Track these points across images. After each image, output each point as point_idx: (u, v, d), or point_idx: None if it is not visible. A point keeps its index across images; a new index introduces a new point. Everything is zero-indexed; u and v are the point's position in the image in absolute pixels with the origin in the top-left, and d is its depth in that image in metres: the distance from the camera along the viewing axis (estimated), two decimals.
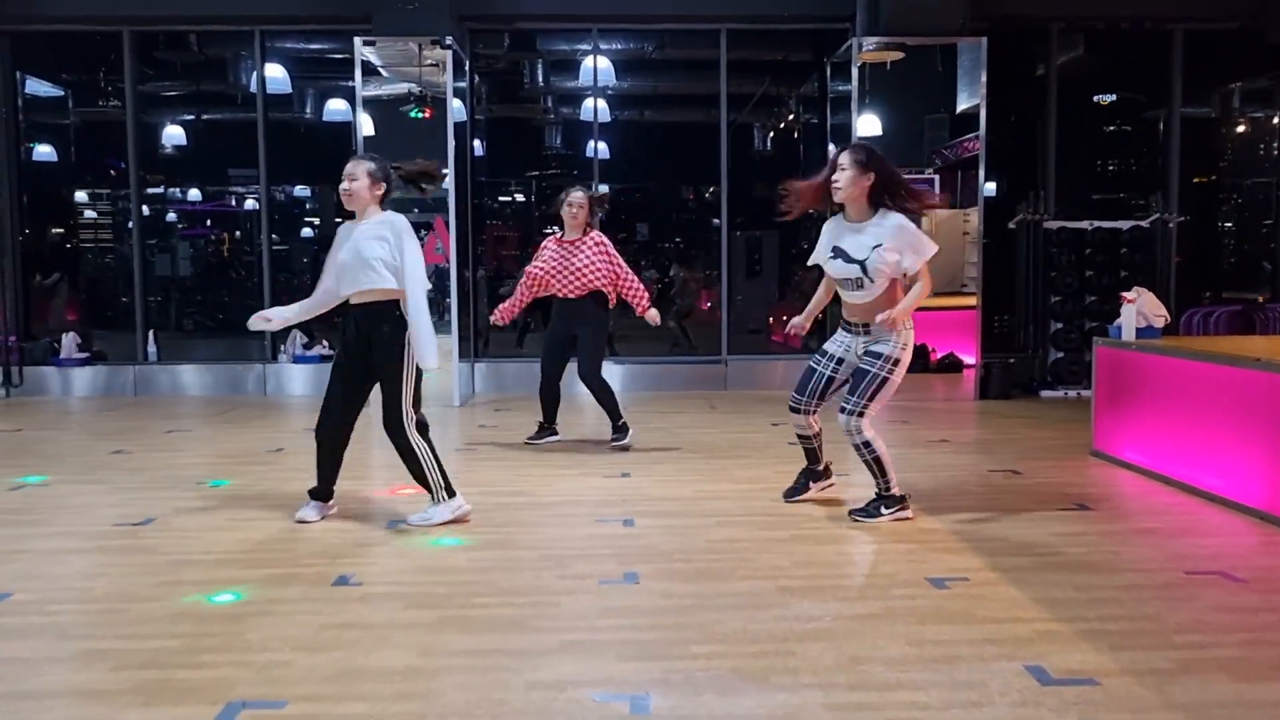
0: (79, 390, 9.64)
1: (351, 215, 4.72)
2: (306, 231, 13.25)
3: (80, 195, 11.79)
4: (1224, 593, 3.69)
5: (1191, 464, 5.27)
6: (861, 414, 4.55)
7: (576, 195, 6.59)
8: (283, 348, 9.85)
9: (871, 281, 4.54)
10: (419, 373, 4.61)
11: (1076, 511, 4.92)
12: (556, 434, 6.83)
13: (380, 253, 4.55)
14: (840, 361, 4.76)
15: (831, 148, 10.23)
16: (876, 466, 4.66)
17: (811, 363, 4.84)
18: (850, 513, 4.75)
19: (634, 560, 4.11)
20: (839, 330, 4.80)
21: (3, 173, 9.83)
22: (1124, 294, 6.21)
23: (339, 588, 3.81)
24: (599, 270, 6.49)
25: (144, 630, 3.39)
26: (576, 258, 6.52)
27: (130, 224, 9.99)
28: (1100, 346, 6.33)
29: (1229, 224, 11.53)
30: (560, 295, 6.56)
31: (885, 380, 4.56)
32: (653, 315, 6.69)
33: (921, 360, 9.47)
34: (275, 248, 10.81)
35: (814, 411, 4.85)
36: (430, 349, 4.51)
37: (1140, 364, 5.90)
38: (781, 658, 3.09)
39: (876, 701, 2.79)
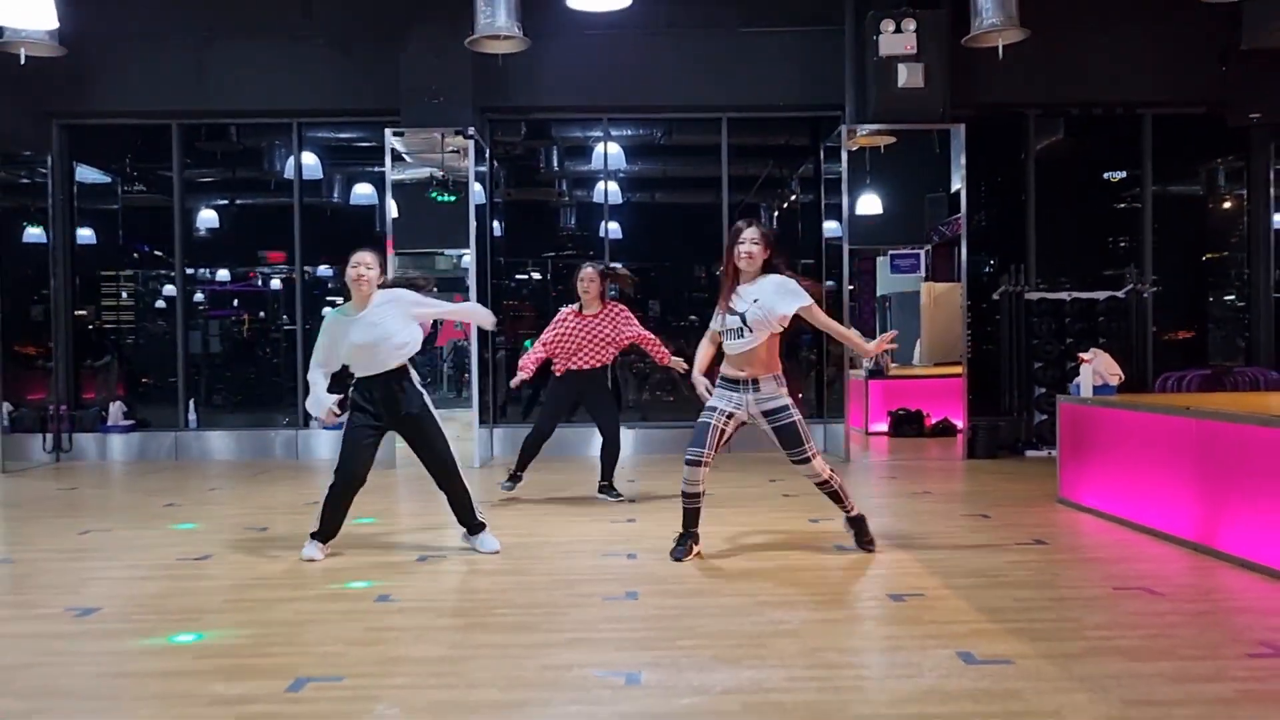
0: (122, 455, 10.36)
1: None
2: (328, 310, 13.86)
3: (121, 275, 12.55)
4: (1141, 603, 4.27)
5: (1136, 503, 5.86)
6: (810, 457, 5.10)
7: (586, 270, 7.24)
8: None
9: (751, 332, 5.04)
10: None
11: (1032, 545, 5.50)
12: (521, 480, 7.41)
13: (406, 337, 5.28)
14: (730, 416, 5.09)
15: (829, 225, 10.98)
16: (839, 495, 5.24)
17: (704, 419, 5.11)
18: (858, 544, 5.32)
19: (634, 583, 4.72)
20: (722, 392, 5.12)
21: (58, 255, 10.65)
22: (1081, 354, 6.85)
23: (380, 603, 4.43)
24: (624, 336, 7.10)
25: (216, 632, 4.01)
26: (600, 330, 7.10)
27: (159, 303, 10.78)
28: (1063, 403, 6.96)
29: (1208, 299, 12.13)
30: (573, 367, 7.16)
31: (801, 420, 5.12)
32: (677, 362, 7.08)
33: (916, 425, 10.09)
34: (288, 327, 11.60)
35: (709, 464, 5.11)
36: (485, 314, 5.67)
37: (1096, 417, 6.52)
38: (753, 649, 3.69)
39: (827, 676, 3.39)
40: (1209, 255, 11.87)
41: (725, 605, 4.31)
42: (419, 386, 5.35)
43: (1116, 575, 4.76)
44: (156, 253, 12.13)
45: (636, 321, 7.24)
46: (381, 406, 5.28)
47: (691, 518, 5.28)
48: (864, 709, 3.10)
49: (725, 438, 5.14)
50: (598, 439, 7.33)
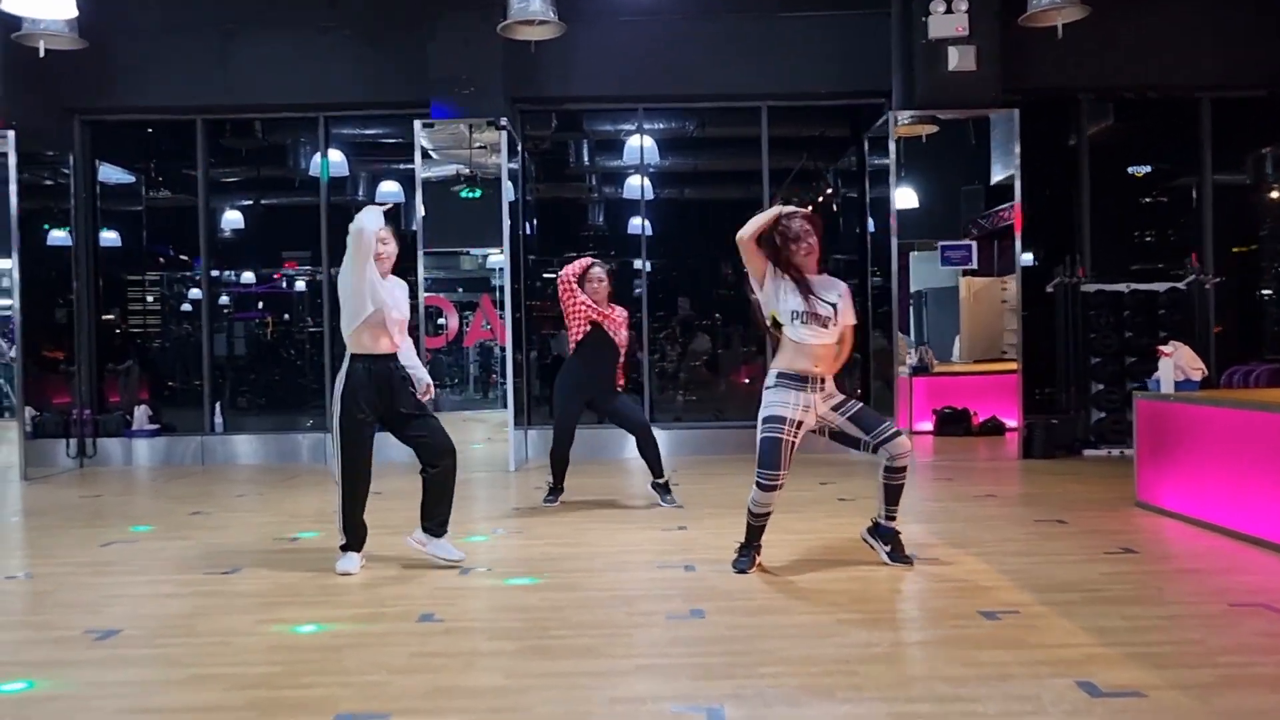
0: (147, 460, 10.06)
1: None
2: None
3: (146, 279, 12.28)
4: (1266, 622, 3.86)
5: (1233, 509, 5.42)
6: (902, 429, 4.74)
7: (598, 270, 6.90)
8: None
9: (835, 326, 4.68)
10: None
11: (1122, 554, 5.08)
12: (562, 492, 7.07)
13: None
14: (799, 426, 4.66)
15: (871, 221, 10.58)
16: (897, 495, 4.82)
17: (774, 436, 4.63)
18: (894, 558, 4.89)
19: (698, 599, 4.34)
20: (786, 391, 4.66)
21: (81, 256, 10.37)
22: (1159, 348, 6.42)
23: (423, 623, 4.06)
24: (621, 340, 6.89)
25: (248, 658, 3.66)
26: (612, 331, 6.88)
27: (185, 305, 10.49)
28: (1140, 400, 6.53)
29: (1268, 291, 11.63)
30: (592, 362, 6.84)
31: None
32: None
33: (964, 424, 9.66)
34: (313, 329, 11.30)
35: (784, 485, 4.70)
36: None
37: (1180, 415, 6.08)
38: (844, 676, 3.30)
39: (936, 712, 2.99)
40: (1263, 245, 11.36)
41: (803, 625, 3.93)
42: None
43: (1228, 589, 4.34)
44: (181, 256, 11.86)
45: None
46: (380, 395, 4.89)
47: (757, 534, 4.89)
48: None
49: (794, 451, 4.72)
50: (625, 441, 6.95)
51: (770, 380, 4.75)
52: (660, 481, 6.87)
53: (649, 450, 6.87)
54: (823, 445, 4.99)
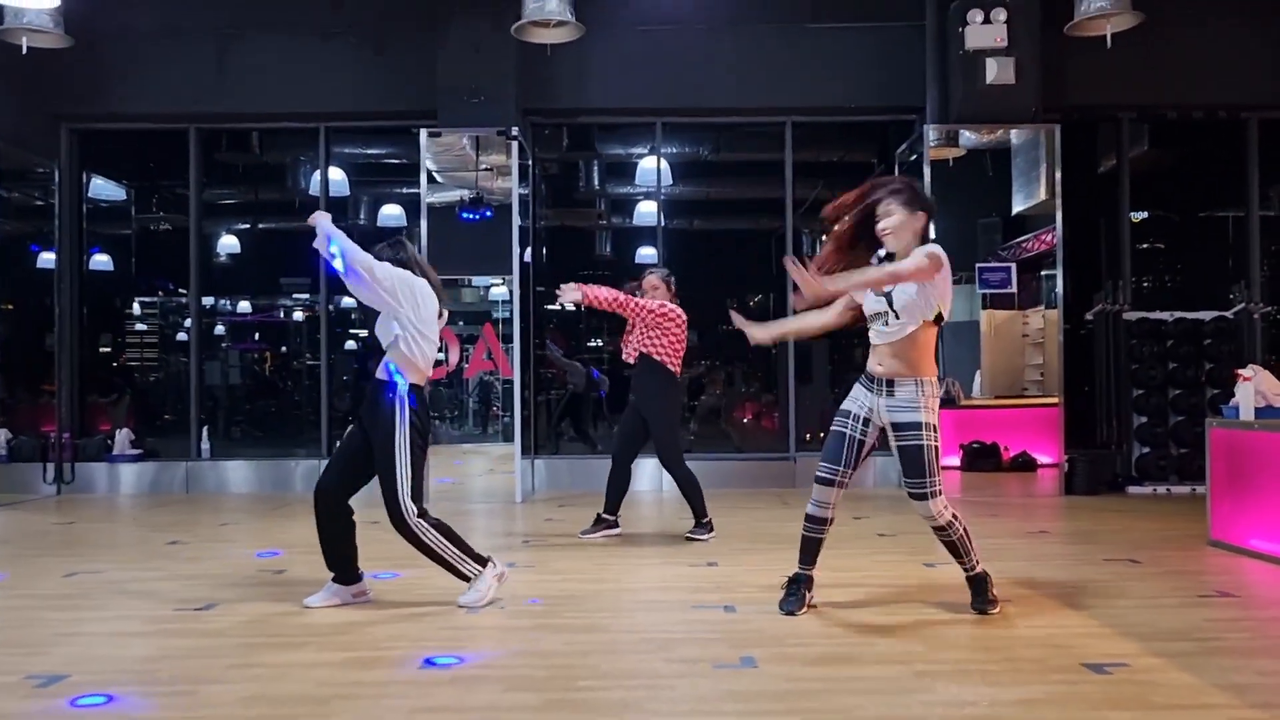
0: (130, 487, 9.41)
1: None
2: (350, 344, 12.53)
3: (137, 302, 11.73)
4: None
5: None
6: (930, 495, 4.05)
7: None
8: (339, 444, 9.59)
9: (897, 318, 4.03)
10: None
11: (1219, 599, 4.47)
12: (616, 527, 6.41)
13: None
14: (866, 423, 4.14)
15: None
16: (961, 547, 4.19)
17: (837, 427, 4.17)
18: (973, 606, 4.28)
19: (746, 645, 3.72)
20: (856, 387, 4.19)
21: (66, 277, 9.79)
22: (1239, 371, 5.84)
23: (426, 670, 3.44)
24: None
25: (215, 714, 3.04)
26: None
27: (180, 335, 9.92)
28: (1215, 428, 5.93)
29: None
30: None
31: (935, 449, 4.06)
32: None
33: (994, 459, 9.06)
34: (311, 361, 10.72)
35: (846, 483, 4.17)
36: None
37: (1263, 445, 5.49)
38: None
39: None
40: None
41: (875, 677, 3.31)
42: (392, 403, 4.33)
43: None
44: (170, 285, 11.32)
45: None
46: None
47: (812, 550, 4.25)
48: None
49: (865, 450, 4.14)
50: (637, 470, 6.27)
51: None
52: (702, 522, 6.25)
53: (692, 489, 6.26)
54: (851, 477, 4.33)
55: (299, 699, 3.16)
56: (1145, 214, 10.07)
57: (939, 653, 3.60)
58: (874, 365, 4.10)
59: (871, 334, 4.13)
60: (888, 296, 4.03)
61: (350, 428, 4.52)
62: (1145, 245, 9.99)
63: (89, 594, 4.82)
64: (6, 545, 6.51)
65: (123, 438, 9.56)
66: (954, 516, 4.13)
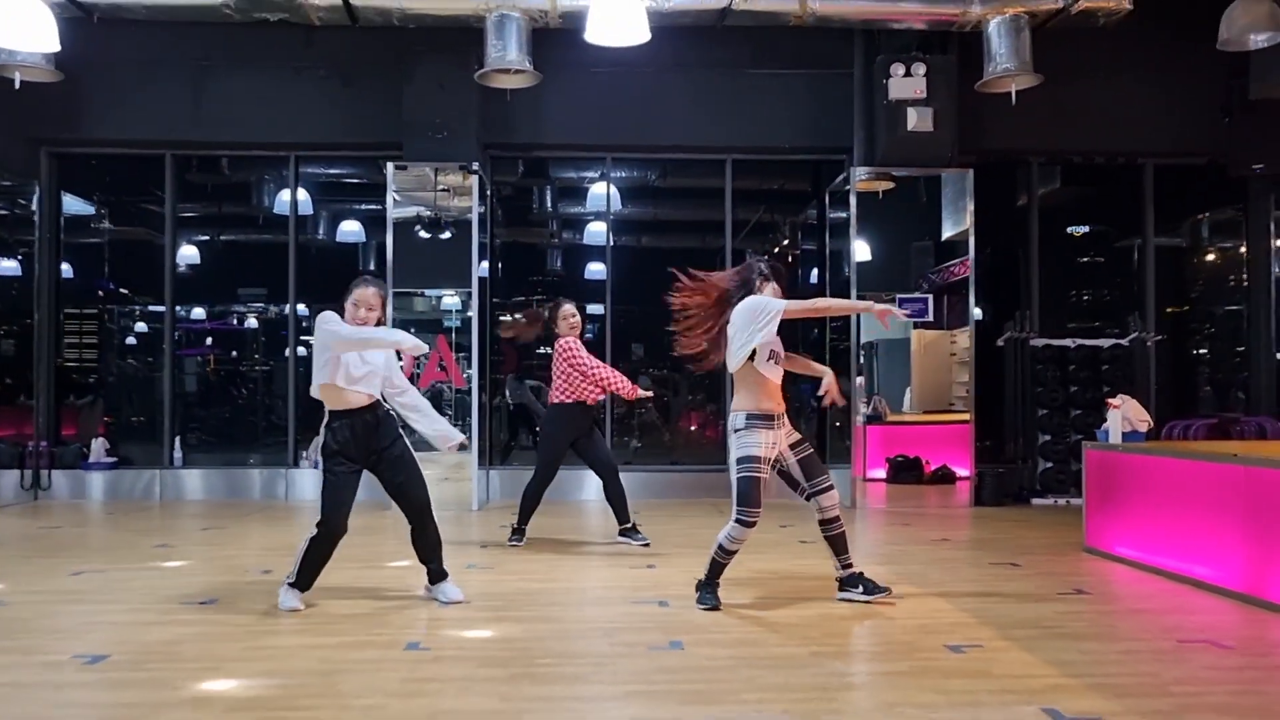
0: (104, 494, 9.97)
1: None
2: (302, 350, 13.26)
3: (104, 310, 12.17)
4: (1213, 657, 4.10)
5: (1177, 554, 5.70)
6: (833, 484, 4.94)
7: (569, 306, 7.11)
8: (305, 453, 10.21)
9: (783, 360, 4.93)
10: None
11: (1074, 595, 5.32)
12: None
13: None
14: (774, 465, 4.92)
15: (821, 271, 10.88)
16: (840, 543, 5.01)
17: (753, 475, 4.80)
18: (871, 591, 5.08)
19: (676, 631, 4.48)
20: (757, 432, 4.83)
21: (43, 289, 10.31)
22: (1109, 400, 6.73)
23: (411, 652, 4.17)
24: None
25: (242, 681, 3.73)
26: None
27: (129, 339, 10.46)
28: (1090, 450, 6.82)
29: (1203, 350, 12.08)
30: (587, 400, 6.99)
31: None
32: (641, 393, 7.02)
33: (916, 472, 9.93)
34: (261, 367, 11.31)
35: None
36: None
37: (1127, 465, 6.38)
38: (824, 703, 3.47)
39: None
40: (1197, 305, 11.87)
41: (779, 655, 4.09)
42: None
43: (1174, 627, 4.58)
44: (123, 291, 11.77)
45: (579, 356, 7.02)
46: (364, 444, 4.91)
47: (720, 571, 5.02)
48: None
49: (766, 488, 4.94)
50: (584, 481, 7.02)
51: (740, 422, 4.89)
52: (627, 526, 7.00)
53: (616, 494, 7.00)
54: (780, 489, 5.16)
55: (308, 672, 3.86)
56: (1053, 245, 11.00)
57: (831, 638, 4.40)
58: (777, 404, 4.91)
59: (774, 374, 4.92)
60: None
61: (340, 466, 4.85)
62: (1051, 274, 10.91)
63: (100, 590, 5.47)
64: (4, 547, 7.10)
65: (98, 446, 10.12)
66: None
